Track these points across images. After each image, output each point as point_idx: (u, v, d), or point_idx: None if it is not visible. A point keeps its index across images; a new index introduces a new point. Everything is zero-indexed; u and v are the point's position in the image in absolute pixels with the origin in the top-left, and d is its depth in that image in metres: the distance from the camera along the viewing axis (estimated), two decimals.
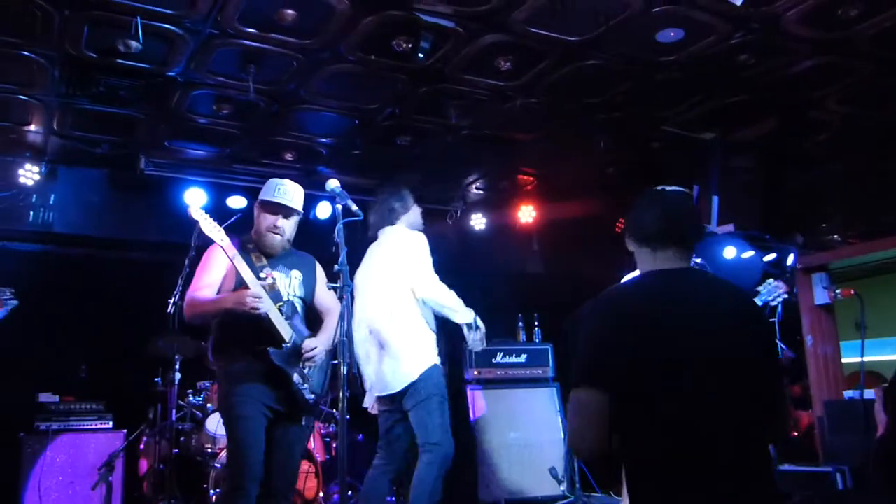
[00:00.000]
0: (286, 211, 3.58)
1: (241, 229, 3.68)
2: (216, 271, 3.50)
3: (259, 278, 3.43)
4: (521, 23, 4.13)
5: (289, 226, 3.61)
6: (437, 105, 5.21)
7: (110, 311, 5.99)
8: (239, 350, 3.42)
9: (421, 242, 4.07)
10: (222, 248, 3.32)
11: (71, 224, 6.17)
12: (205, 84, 4.81)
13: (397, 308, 3.99)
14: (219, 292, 3.48)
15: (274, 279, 3.52)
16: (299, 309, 3.63)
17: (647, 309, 2.03)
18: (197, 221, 3.32)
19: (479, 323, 4.10)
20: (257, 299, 3.25)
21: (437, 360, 4.02)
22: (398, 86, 4.89)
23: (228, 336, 3.46)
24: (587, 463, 3.39)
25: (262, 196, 3.61)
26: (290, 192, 3.58)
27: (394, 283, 4.00)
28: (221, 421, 5.00)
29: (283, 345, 3.41)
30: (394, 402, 4.00)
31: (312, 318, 3.77)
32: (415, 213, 4.27)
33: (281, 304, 3.50)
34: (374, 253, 4.17)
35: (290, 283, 3.64)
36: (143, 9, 3.89)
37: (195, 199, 6.02)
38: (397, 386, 3.93)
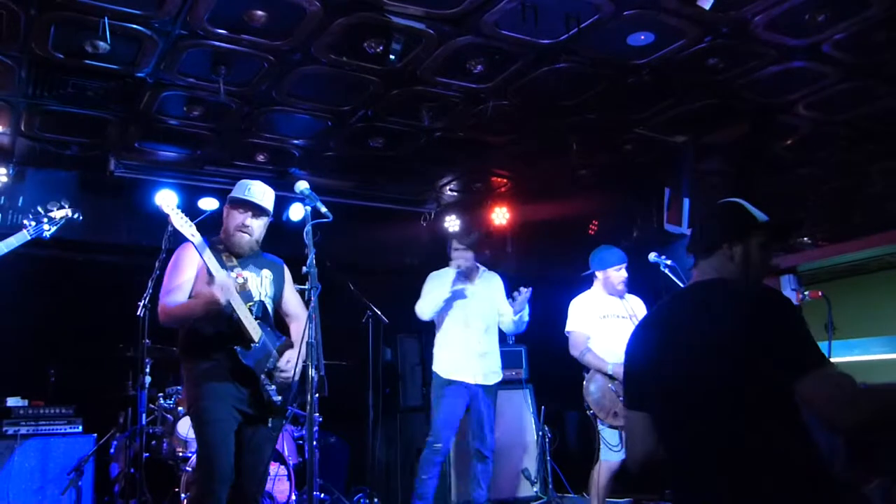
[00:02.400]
0: (255, 210, 3.57)
1: (211, 230, 3.66)
2: (187, 272, 3.47)
3: (232, 277, 3.41)
4: (492, 25, 4.14)
5: (257, 225, 3.60)
6: (410, 107, 5.20)
7: (80, 314, 5.92)
8: (207, 349, 3.40)
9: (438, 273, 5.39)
10: (192, 242, 3.29)
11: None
12: (175, 85, 4.77)
13: None
14: (191, 293, 3.45)
15: (245, 279, 3.51)
16: (269, 309, 3.61)
17: (645, 335, 2.25)
18: (168, 216, 3.29)
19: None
20: (225, 287, 3.21)
21: (441, 369, 5.21)
22: (370, 88, 4.88)
23: (197, 336, 3.44)
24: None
25: (231, 195, 3.60)
26: (259, 192, 3.58)
27: None
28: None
29: (252, 344, 3.38)
30: None
31: (278, 321, 3.78)
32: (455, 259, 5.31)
33: (251, 303, 3.48)
34: None
35: (261, 282, 3.62)
36: (111, 9, 3.84)
37: (167, 196, 5.96)
38: None
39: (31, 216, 3.57)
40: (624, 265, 4.96)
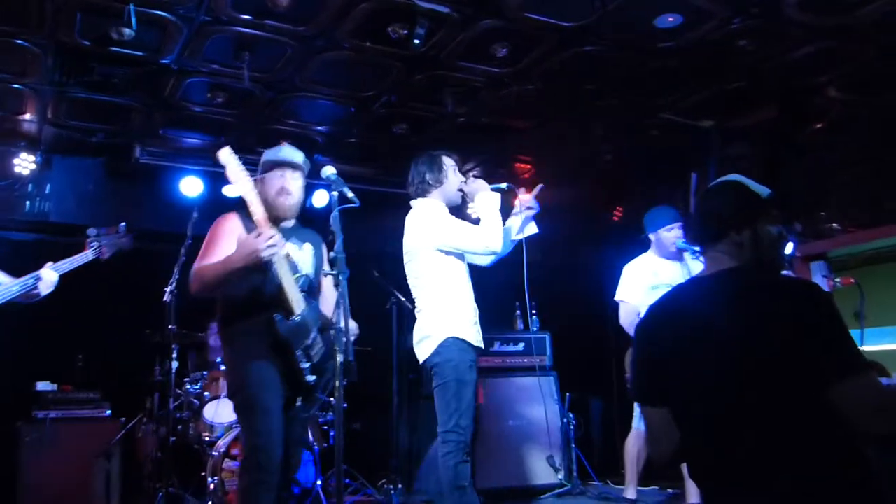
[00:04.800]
0: (292, 168, 3.44)
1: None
2: (226, 241, 3.26)
3: None
4: (516, 8, 4.09)
5: (297, 187, 3.45)
6: (434, 92, 5.17)
7: (107, 300, 5.98)
8: (246, 315, 3.22)
9: (435, 206, 3.89)
10: (244, 189, 3.14)
11: (66, 213, 6.15)
12: (199, 72, 4.78)
13: (418, 279, 3.84)
14: None
15: (287, 252, 3.33)
16: (314, 284, 3.46)
17: (659, 327, 2.12)
18: (225, 167, 3.17)
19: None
20: (271, 239, 2.98)
21: (458, 333, 3.67)
22: (394, 73, 4.86)
23: (235, 301, 3.26)
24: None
25: (264, 160, 3.49)
26: (291, 151, 3.47)
27: (414, 253, 3.85)
28: (228, 406, 5.01)
29: (293, 317, 3.20)
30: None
31: None
32: (451, 186, 3.95)
33: (298, 275, 3.33)
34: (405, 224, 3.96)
35: (303, 256, 3.48)
36: None
37: (199, 185, 6.10)
38: (420, 357, 3.77)
39: (91, 236, 3.61)
40: (677, 224, 4.77)
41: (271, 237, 3.00)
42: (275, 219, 3.38)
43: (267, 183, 3.43)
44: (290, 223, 3.51)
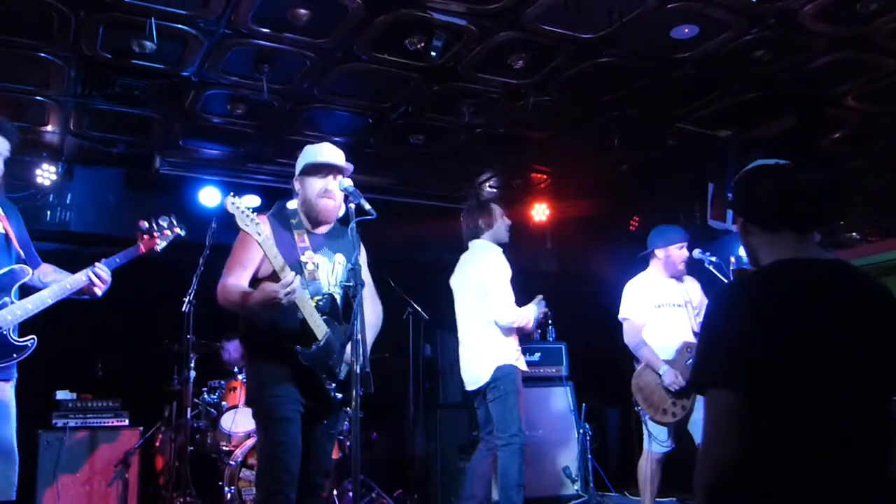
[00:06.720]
0: (334, 171, 3.32)
1: None
2: (253, 254, 3.19)
3: (301, 263, 3.21)
4: (534, 20, 4.12)
5: (338, 188, 3.33)
6: (451, 103, 5.21)
7: (126, 310, 6.01)
8: (268, 346, 3.22)
9: (501, 267, 4.54)
10: (258, 243, 3.04)
11: (87, 223, 6.22)
12: (219, 84, 4.84)
13: (480, 314, 4.52)
14: (256, 273, 3.23)
15: (316, 265, 3.26)
16: (339, 301, 3.37)
17: (745, 302, 1.84)
18: (233, 216, 3.00)
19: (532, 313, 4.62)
20: (289, 289, 2.96)
21: (512, 360, 4.49)
22: (411, 84, 4.89)
23: (257, 329, 3.26)
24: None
25: (304, 162, 3.35)
26: (331, 152, 3.37)
27: (477, 294, 4.54)
28: (246, 416, 5.05)
29: (315, 344, 3.16)
30: (479, 395, 4.57)
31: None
32: (498, 228, 4.69)
33: (319, 297, 3.23)
34: (464, 262, 4.73)
35: (332, 268, 3.35)
36: (157, 9, 3.91)
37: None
38: (478, 383, 4.49)
39: (144, 227, 3.59)
40: (686, 244, 4.71)
41: (289, 286, 2.96)
42: (315, 222, 3.35)
43: (307, 186, 3.33)
44: (326, 228, 3.41)
